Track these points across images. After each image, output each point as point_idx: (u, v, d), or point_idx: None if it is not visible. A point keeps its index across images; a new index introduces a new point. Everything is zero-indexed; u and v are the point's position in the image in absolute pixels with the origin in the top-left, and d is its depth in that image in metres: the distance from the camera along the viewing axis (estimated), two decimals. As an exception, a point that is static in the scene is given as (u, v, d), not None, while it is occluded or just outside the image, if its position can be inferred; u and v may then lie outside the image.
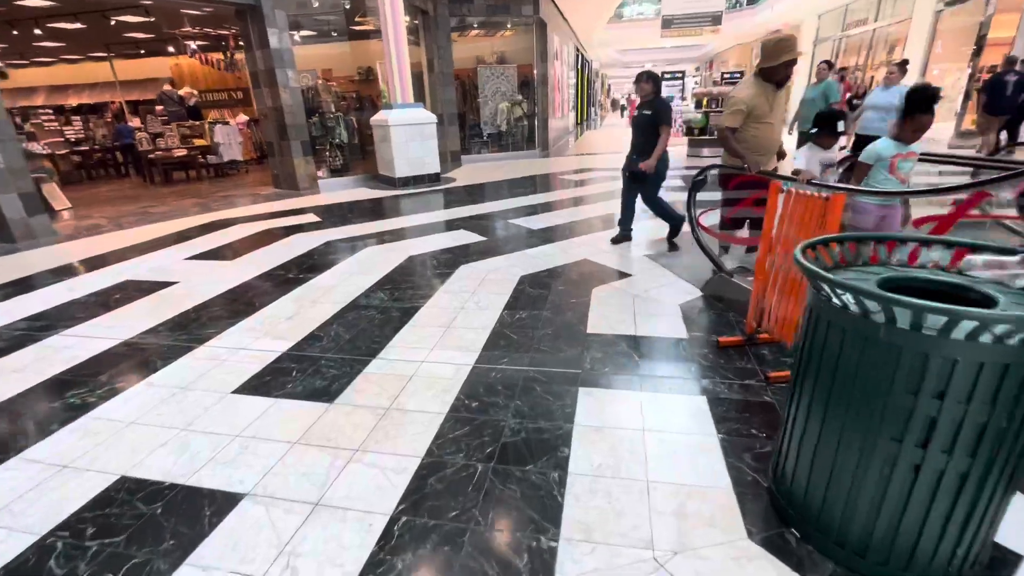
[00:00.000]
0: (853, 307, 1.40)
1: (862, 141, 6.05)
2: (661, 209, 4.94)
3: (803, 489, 1.64)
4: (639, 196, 4.94)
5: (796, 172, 3.25)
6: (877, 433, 1.38)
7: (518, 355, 2.90)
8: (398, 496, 1.91)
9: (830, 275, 1.43)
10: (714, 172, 3.86)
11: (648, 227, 5.64)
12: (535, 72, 12.32)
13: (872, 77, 14.35)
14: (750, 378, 2.57)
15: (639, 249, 4.86)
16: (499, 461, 2.07)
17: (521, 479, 1.97)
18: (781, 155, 3.95)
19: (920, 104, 2.84)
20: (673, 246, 4.85)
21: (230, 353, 3.08)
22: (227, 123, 11.80)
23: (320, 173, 9.24)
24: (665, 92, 5.35)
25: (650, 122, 4.65)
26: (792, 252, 2.42)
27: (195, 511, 1.88)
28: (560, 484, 1.93)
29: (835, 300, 1.45)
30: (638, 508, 1.80)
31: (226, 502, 1.92)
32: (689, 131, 11.45)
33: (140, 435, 2.33)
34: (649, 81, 4.66)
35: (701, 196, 4.00)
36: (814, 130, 3.58)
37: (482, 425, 2.29)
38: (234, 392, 2.66)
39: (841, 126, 3.51)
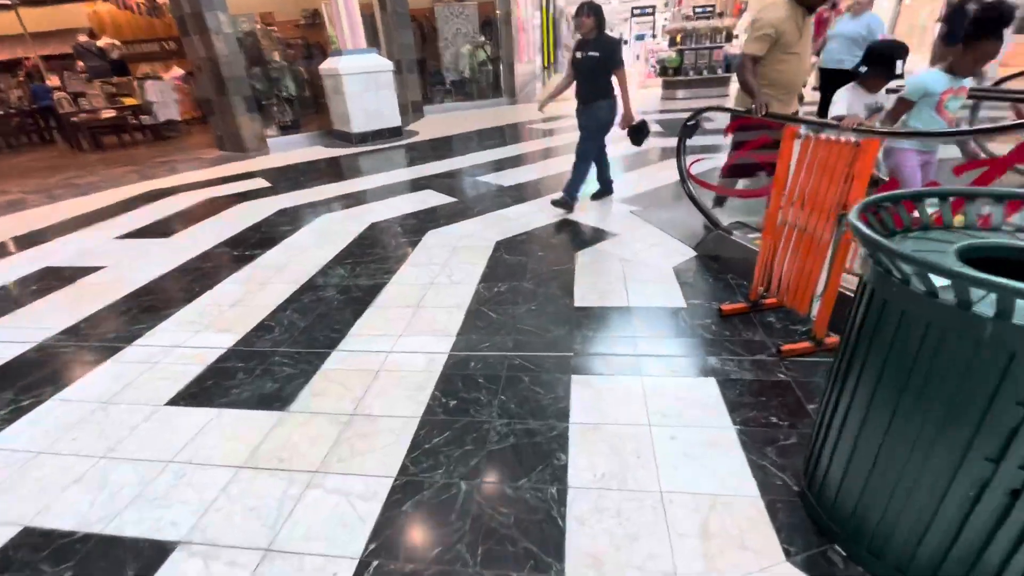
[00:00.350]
0: (943, 294, 1.08)
1: (827, 76, 5.63)
2: (581, 167, 4.33)
3: (852, 500, 1.37)
4: (587, 145, 4.30)
5: (838, 119, 2.77)
6: (966, 448, 1.10)
7: (499, 338, 2.56)
8: (367, 532, 1.59)
9: (912, 254, 1.09)
10: (710, 115, 3.47)
11: (629, 180, 5.26)
12: (497, 11, 11.37)
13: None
14: (760, 352, 2.30)
15: (622, 205, 4.49)
16: (486, 476, 1.76)
17: (513, 499, 1.66)
18: (801, 98, 3.50)
19: (990, 27, 2.38)
20: (557, 204, 4.34)
21: (164, 353, 2.65)
22: (159, 78, 10.64)
23: (269, 132, 8.42)
24: (636, 30, 4.80)
25: (597, 65, 4.00)
26: (814, 207, 2.11)
27: (114, 571, 1.53)
28: (559, 502, 1.64)
29: (916, 285, 1.12)
30: (654, 529, 1.52)
31: (155, 555, 1.56)
32: (663, 71, 10.86)
33: (49, 470, 1.93)
34: (590, 15, 3.96)
35: (691, 142, 3.62)
36: (862, 68, 3.00)
37: (463, 430, 1.97)
38: (168, 404, 2.26)
39: (900, 66, 2.89)
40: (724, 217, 3.49)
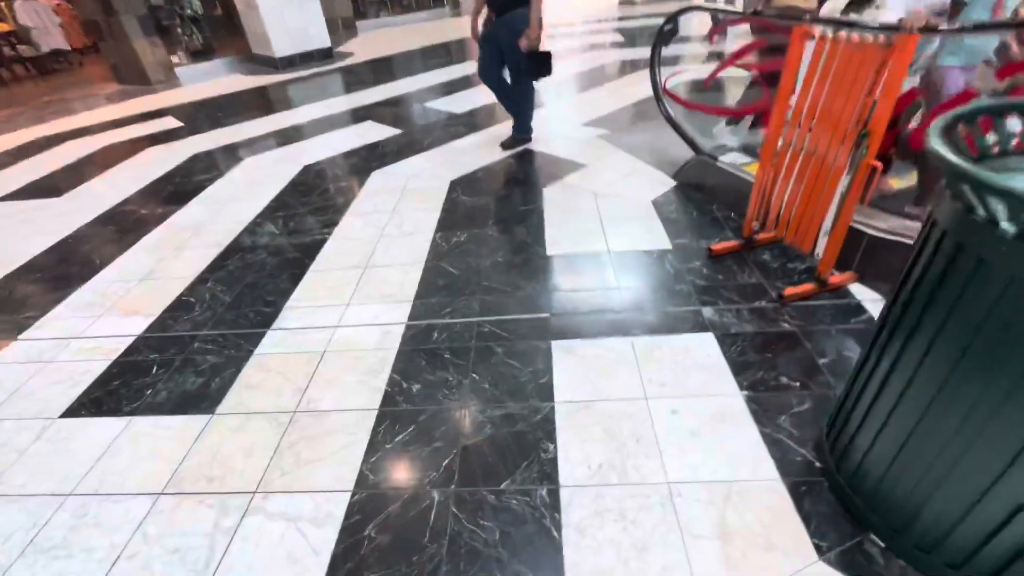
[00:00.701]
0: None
1: None
2: (521, 104, 3.66)
3: (891, 480, 1.17)
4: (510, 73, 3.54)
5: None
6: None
7: (464, 300, 2.21)
8: (322, 569, 1.30)
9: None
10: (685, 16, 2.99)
11: (593, 99, 4.76)
12: (432, -99, 9.90)
13: None
14: (760, 298, 2.05)
15: (587, 128, 4.03)
16: (462, 480, 1.48)
17: (497, 507, 1.40)
18: None
19: None
20: (508, 146, 3.75)
21: (57, 348, 2.18)
22: (32, -3, 8.92)
23: (176, 59, 7.27)
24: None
25: None
26: (826, 126, 1.76)
27: (-3, 658, 1.20)
28: (552, 507, 1.38)
29: (1007, 227, 0.83)
30: (665, 534, 1.30)
31: (51, 628, 1.24)
32: (620, -28, 9.88)
33: (-94, 521, 1.53)
34: None
35: (668, 52, 3.16)
36: None
37: (430, 422, 1.67)
38: (64, 415, 1.84)
39: None
40: (708, 139, 3.12)
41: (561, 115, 4.47)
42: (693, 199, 2.82)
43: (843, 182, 1.79)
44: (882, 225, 1.97)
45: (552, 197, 3.01)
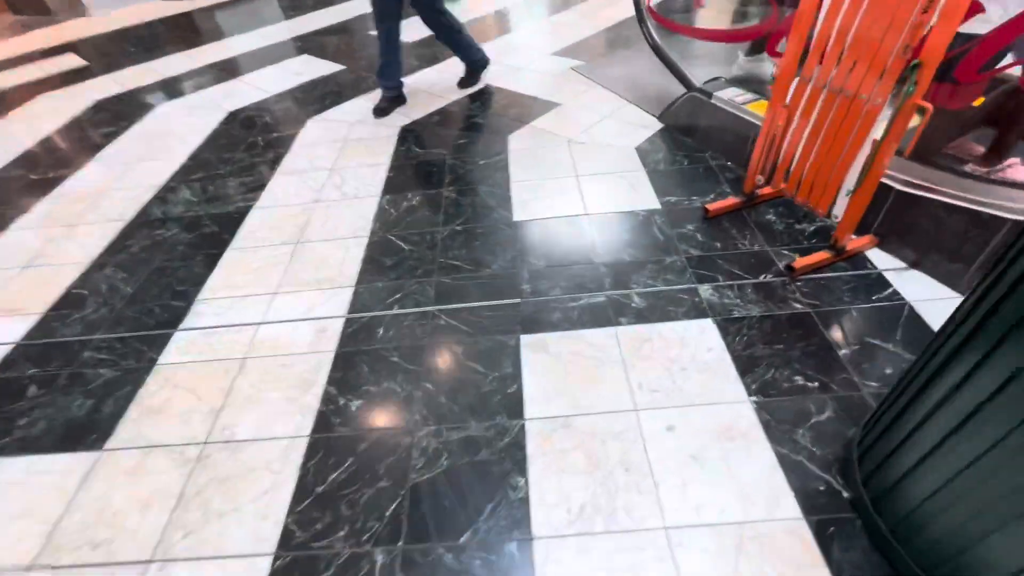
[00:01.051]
0: None
1: None
2: (452, 37, 3.03)
3: (946, 525, 0.92)
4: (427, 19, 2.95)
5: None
6: None
7: (416, 284, 1.84)
8: (233, 673, 1.02)
9: None
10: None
11: (565, 24, 4.17)
12: None
13: None
14: (765, 270, 1.73)
15: (559, 59, 3.50)
16: (412, 534, 1.19)
17: (456, 571, 1.12)
18: None
19: None
20: (382, 110, 3.03)
21: (-90, 365, 1.76)
22: None
23: (78, -19, 6.19)
24: None
25: None
26: (861, 58, 1.36)
27: None
28: (523, 566, 1.11)
29: None
30: (665, 601, 1.04)
31: None
32: None
33: None
34: None
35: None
36: None
37: (373, 452, 1.35)
38: (-87, 459, 1.47)
39: None
40: (702, 70, 2.67)
41: (527, 42, 3.89)
42: (684, 145, 2.42)
43: (878, 129, 1.43)
44: (914, 179, 1.64)
45: (519, 146, 2.57)
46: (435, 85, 3.31)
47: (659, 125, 2.59)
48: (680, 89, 2.57)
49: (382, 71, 2.92)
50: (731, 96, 2.21)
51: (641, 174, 2.26)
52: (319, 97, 3.34)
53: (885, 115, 1.42)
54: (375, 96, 3.23)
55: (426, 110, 3.01)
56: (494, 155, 2.52)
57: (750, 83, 2.36)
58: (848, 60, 1.45)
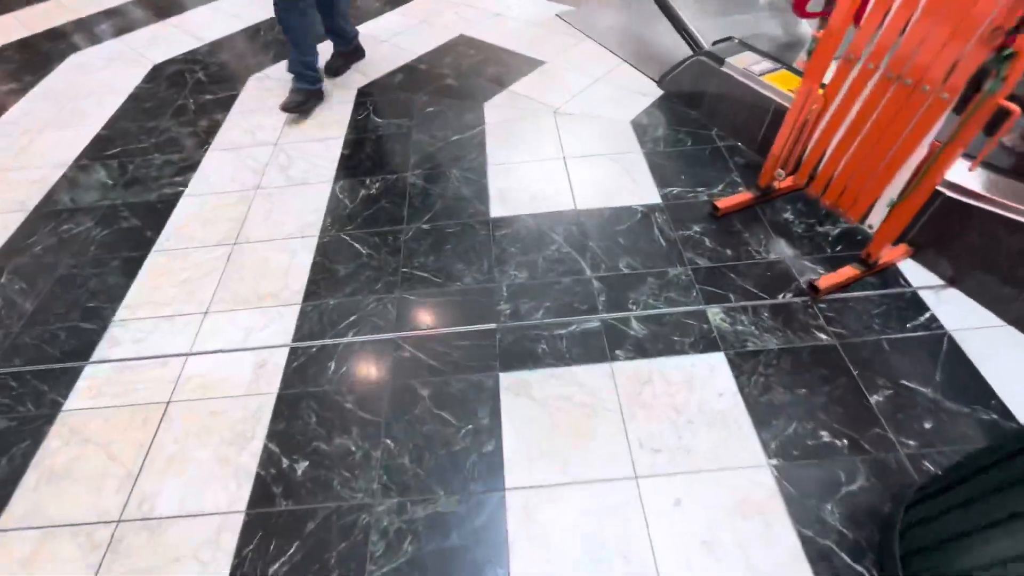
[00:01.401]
0: None
1: None
2: (331, 20, 2.40)
3: None
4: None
5: None
6: None
7: (375, 301, 1.55)
8: None
9: None
10: None
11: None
12: None
13: None
14: (784, 287, 1.49)
15: (546, 4, 3.03)
16: (369, 650, 0.99)
17: None
18: None
19: None
20: (336, 70, 2.55)
21: None
22: None
23: None
24: None
25: None
26: (930, 37, 1.05)
27: None
28: None
29: None
30: None
31: None
32: None
33: None
34: None
35: None
36: None
37: (323, 535, 1.12)
38: None
39: None
40: (712, 26, 2.29)
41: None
42: (687, 119, 2.09)
43: (952, 131, 1.15)
44: (967, 184, 1.38)
45: (498, 117, 2.20)
46: (401, 32, 2.84)
47: (659, 92, 2.24)
48: (685, 49, 2.21)
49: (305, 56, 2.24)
50: (747, 64, 1.87)
51: (638, 156, 1.94)
52: (263, 47, 2.85)
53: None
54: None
55: (387, 67, 2.58)
56: (468, 129, 2.15)
57: (771, 46, 2.01)
58: (914, 37, 1.14)
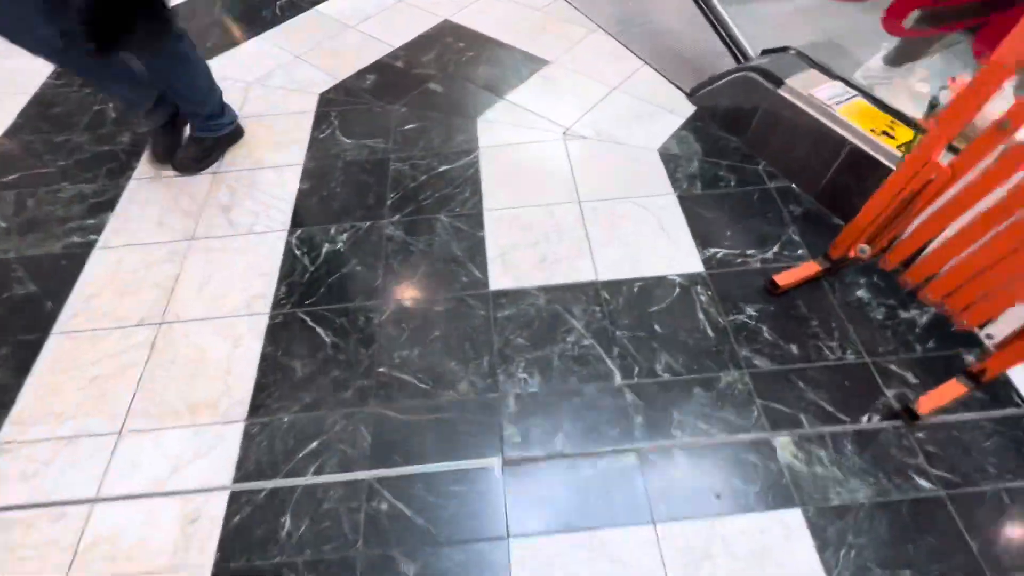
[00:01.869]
0: None
1: None
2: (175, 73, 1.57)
3: None
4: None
5: None
6: None
7: (342, 417, 1.20)
8: None
9: None
10: None
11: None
12: None
13: None
14: (868, 405, 1.17)
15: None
16: None
17: None
18: None
19: None
20: (167, 150, 1.74)
21: None
22: None
23: None
24: None
25: None
26: None
27: None
28: None
29: None
30: None
31: None
32: None
33: None
34: None
35: None
36: None
37: None
38: None
39: None
40: (764, 29, 1.86)
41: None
42: (728, 149, 1.70)
43: None
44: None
45: (494, 139, 1.79)
46: (368, 18, 2.34)
47: (690, 108, 1.83)
48: (725, 55, 1.80)
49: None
50: (812, 88, 1.47)
51: (670, 201, 1.57)
52: (206, 28, 2.33)
53: None
54: (288, 29, 2.27)
55: (356, 62, 2.11)
56: (458, 155, 1.74)
57: (835, 58, 1.61)
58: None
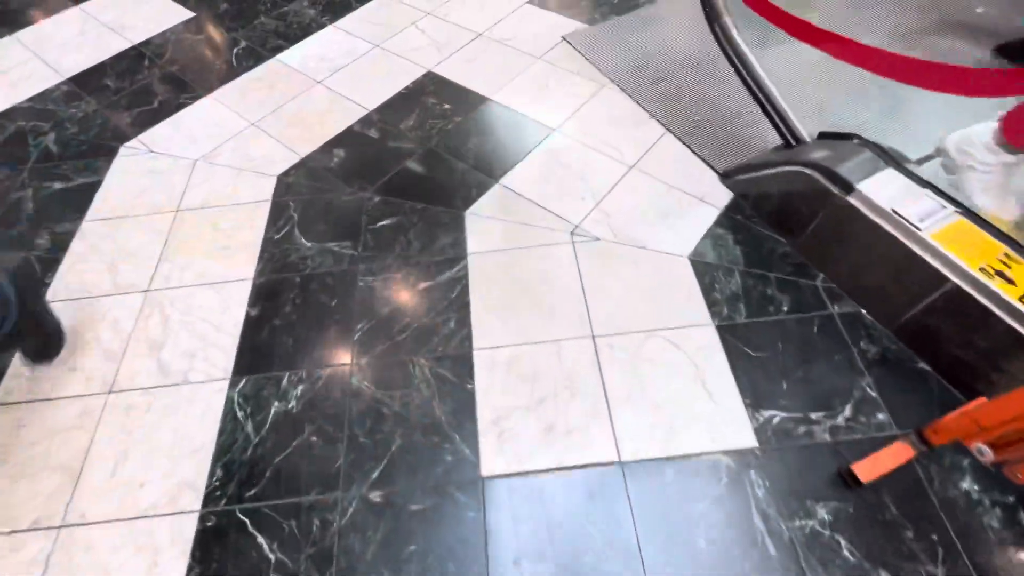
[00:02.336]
0: None
1: None
2: None
3: None
4: None
5: None
6: None
7: None
8: None
9: None
10: None
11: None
12: None
13: None
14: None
15: (539, 14, 2.18)
16: None
17: None
18: None
19: None
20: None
21: None
22: None
23: None
24: None
25: None
26: None
27: None
28: None
29: None
30: None
31: None
32: None
33: None
34: None
35: None
36: None
37: None
38: None
39: None
40: (817, 108, 1.51)
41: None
42: (776, 256, 1.37)
43: None
44: None
45: (486, 242, 1.46)
46: (339, 70, 2.00)
47: (724, 194, 1.50)
48: (766, 128, 1.46)
49: None
50: (895, 201, 1.13)
51: (710, 336, 1.24)
52: (140, 92, 1.99)
53: None
54: (252, 84, 1.93)
55: (321, 131, 1.77)
56: (442, 266, 1.41)
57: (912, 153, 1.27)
58: None
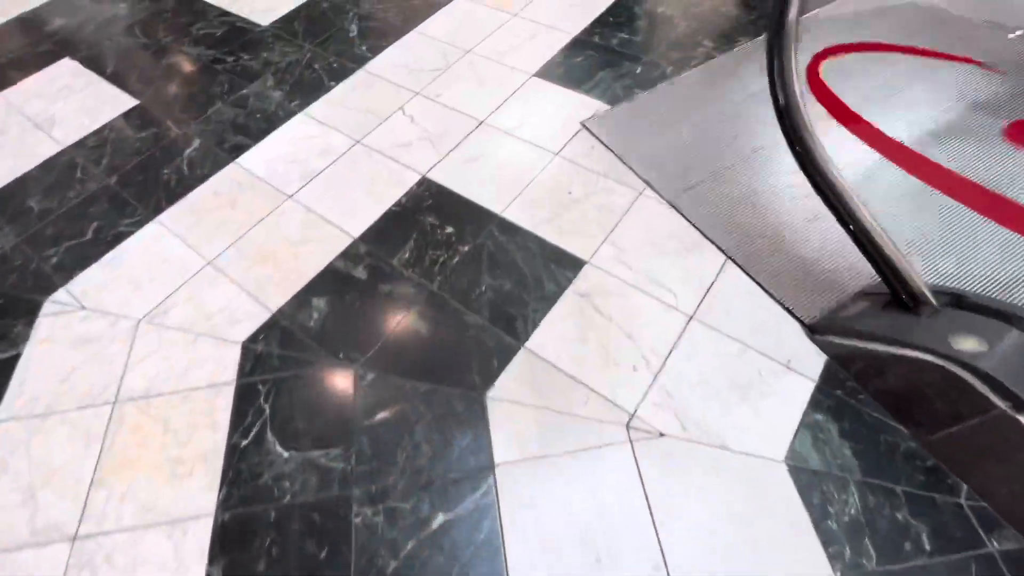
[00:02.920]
0: None
1: None
2: None
3: None
4: None
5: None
6: None
7: None
8: None
9: None
10: None
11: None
12: None
13: None
14: None
15: (553, 92, 1.83)
16: None
17: None
18: None
19: None
20: None
21: None
22: None
23: None
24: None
25: None
26: None
27: None
28: None
29: None
30: None
31: None
32: None
33: None
34: None
35: None
36: None
37: None
38: None
39: None
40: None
41: (547, 102, 2.12)
42: (899, 455, 1.05)
43: None
44: None
45: (516, 445, 1.12)
46: (313, 178, 1.64)
47: (815, 357, 1.17)
48: (863, 265, 1.14)
49: None
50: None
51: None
52: (71, 216, 1.63)
53: None
54: (208, 203, 1.57)
55: (297, 275, 1.42)
56: (462, 488, 1.07)
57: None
58: None
